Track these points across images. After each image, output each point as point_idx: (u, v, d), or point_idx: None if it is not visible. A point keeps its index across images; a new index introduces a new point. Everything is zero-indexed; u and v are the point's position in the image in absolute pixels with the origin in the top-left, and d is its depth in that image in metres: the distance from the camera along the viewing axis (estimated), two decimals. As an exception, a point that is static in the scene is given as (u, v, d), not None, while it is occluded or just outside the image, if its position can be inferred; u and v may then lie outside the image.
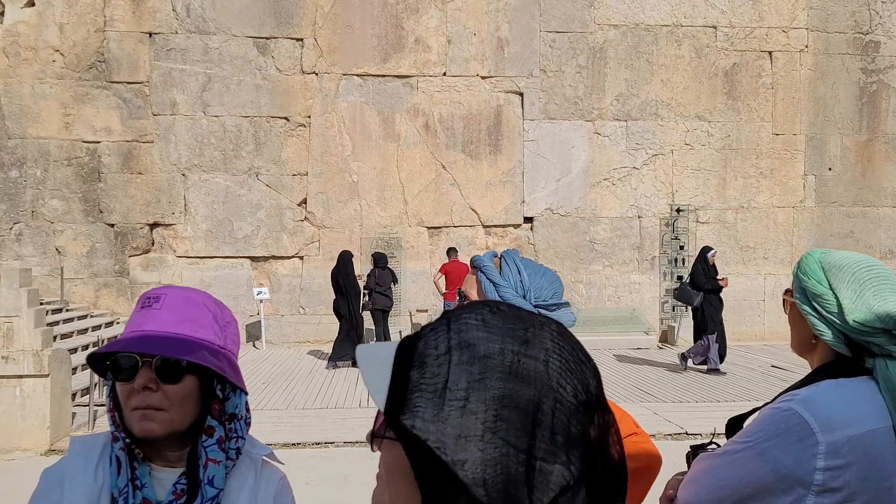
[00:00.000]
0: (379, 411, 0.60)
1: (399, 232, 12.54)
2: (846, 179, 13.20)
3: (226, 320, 1.25)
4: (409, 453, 0.55)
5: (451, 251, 11.27)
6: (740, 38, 12.95)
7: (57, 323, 9.95)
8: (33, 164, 11.84)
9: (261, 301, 11.96)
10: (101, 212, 11.97)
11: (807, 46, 13.07)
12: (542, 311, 1.57)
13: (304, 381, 9.32)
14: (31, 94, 11.80)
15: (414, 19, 12.46)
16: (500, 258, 1.70)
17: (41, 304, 8.47)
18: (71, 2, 11.84)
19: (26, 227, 11.84)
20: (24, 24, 11.81)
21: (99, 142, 11.94)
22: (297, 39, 12.29)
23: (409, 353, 0.59)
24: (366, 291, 10.54)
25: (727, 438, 1.47)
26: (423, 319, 12.51)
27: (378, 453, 0.61)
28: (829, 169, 13.17)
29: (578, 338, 0.63)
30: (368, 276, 10.59)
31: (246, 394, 1.25)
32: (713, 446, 1.49)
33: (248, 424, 1.25)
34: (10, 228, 11.79)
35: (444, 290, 11.04)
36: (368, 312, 10.57)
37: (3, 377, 6.55)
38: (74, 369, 8.11)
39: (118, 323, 11.51)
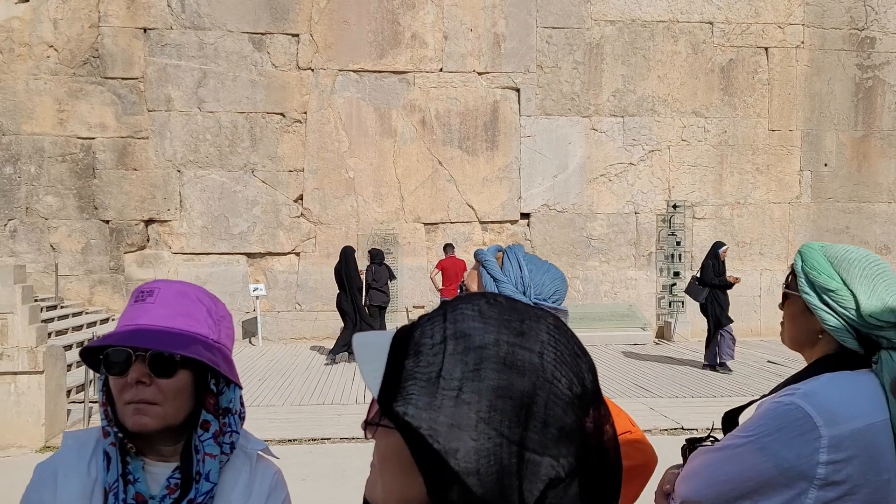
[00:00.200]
0: (373, 400, 0.60)
1: (396, 228, 12.53)
2: (842, 175, 13.23)
3: (220, 314, 1.24)
4: (407, 441, 0.55)
5: (448, 247, 11.27)
6: (736, 34, 12.95)
7: (52, 320, 9.91)
8: (27, 161, 11.79)
9: (257, 297, 11.95)
10: (96, 208, 11.93)
11: (803, 42, 13.08)
12: (541, 309, 1.53)
13: (301, 378, 9.32)
14: (25, 90, 11.75)
15: (410, 15, 12.43)
16: (503, 253, 1.67)
17: (36, 300, 8.43)
18: (65, -3, 11.78)
19: (21, 224, 11.80)
20: (17, 20, 11.75)
21: (93, 138, 11.89)
22: (293, 35, 12.24)
23: (405, 341, 0.59)
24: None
25: (723, 432, 1.46)
26: (420, 316, 12.49)
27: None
28: (825, 165, 13.20)
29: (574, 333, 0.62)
30: (365, 272, 10.60)
31: (240, 388, 1.25)
32: (711, 440, 1.48)
33: (242, 419, 1.24)
34: (5, 225, 11.75)
35: (440, 286, 11.04)
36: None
37: (-3, 374, 6.54)
38: (69, 366, 8.08)
39: (113, 320, 11.47)
